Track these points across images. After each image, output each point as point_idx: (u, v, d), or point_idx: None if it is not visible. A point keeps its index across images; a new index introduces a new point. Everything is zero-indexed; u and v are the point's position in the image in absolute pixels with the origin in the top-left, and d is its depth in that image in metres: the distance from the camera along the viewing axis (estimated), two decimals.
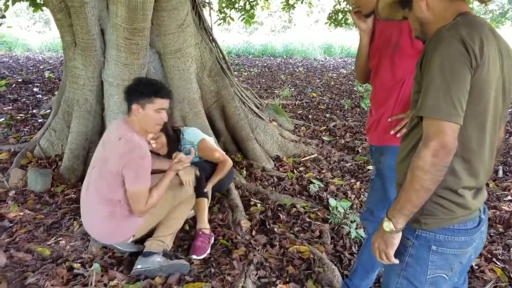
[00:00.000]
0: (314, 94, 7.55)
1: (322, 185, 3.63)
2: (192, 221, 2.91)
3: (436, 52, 1.13)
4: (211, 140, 3.20)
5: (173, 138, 2.95)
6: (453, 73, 1.11)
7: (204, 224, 2.71)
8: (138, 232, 2.47)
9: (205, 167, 3.00)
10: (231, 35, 18.43)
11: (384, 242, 1.30)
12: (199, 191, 2.82)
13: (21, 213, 2.88)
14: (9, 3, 5.57)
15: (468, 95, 1.13)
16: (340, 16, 8.90)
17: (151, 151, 3.06)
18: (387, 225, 1.26)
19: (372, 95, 2.02)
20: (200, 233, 2.65)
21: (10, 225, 2.76)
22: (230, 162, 3.07)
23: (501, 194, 3.57)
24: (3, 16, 7.11)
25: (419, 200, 1.18)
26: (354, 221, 2.97)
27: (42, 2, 5.75)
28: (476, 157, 1.22)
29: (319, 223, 3.00)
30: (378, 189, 1.99)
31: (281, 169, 4.01)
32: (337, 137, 5.05)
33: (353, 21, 2.01)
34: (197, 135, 3.07)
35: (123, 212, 2.31)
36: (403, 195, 1.21)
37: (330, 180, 3.77)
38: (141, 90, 2.26)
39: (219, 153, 3.07)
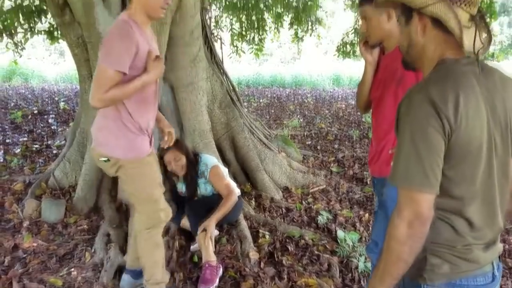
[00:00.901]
0: (323, 125, 7.63)
1: (330, 217, 3.65)
2: (201, 253, 2.94)
3: (407, 117, 1.09)
4: (225, 171, 3.27)
5: (192, 161, 3.07)
6: (424, 140, 1.05)
7: (209, 257, 2.72)
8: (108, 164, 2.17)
9: (214, 201, 3.06)
10: (241, 66, 18.78)
11: None
12: (196, 228, 2.88)
13: (35, 244, 2.94)
14: (28, 35, 5.83)
15: (451, 158, 1.08)
16: (349, 48, 9.08)
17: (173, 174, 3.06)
18: None
19: (374, 127, 2.09)
20: (207, 265, 2.67)
21: (24, 255, 2.82)
22: (235, 198, 3.08)
23: (511, 228, 3.55)
24: (23, 48, 7.40)
25: (397, 272, 1.11)
26: (363, 254, 2.96)
27: (59, 35, 6.01)
28: (475, 214, 1.14)
29: (327, 255, 3.00)
30: (382, 221, 2.03)
31: (289, 200, 4.04)
32: (346, 168, 5.08)
33: (360, 52, 2.10)
34: (213, 160, 3.19)
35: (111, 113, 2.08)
36: (381, 266, 1.14)
37: (339, 211, 3.79)
38: None
39: (228, 183, 3.13)
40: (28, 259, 2.77)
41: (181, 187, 3.23)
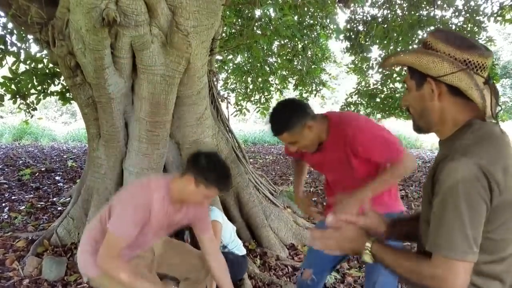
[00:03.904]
0: None
1: (338, 277, 3.53)
2: None
3: (450, 182, 1.03)
4: (230, 229, 3.19)
5: None
6: (470, 209, 1.01)
7: None
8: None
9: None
10: (248, 125, 19.14)
11: None
12: None
13: None
14: (41, 97, 6.04)
15: (497, 219, 1.05)
16: (353, 108, 9.28)
17: None
18: None
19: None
20: None
21: None
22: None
23: None
24: (35, 109, 7.64)
25: None
26: None
27: (71, 96, 6.21)
28: (510, 274, 1.12)
29: None
30: None
31: (296, 258, 3.93)
32: None
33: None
34: (216, 215, 3.08)
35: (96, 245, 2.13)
36: None
37: (347, 271, 3.67)
38: (207, 171, 2.02)
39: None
40: None
41: (187, 236, 3.17)
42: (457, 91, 1.12)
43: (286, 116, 1.94)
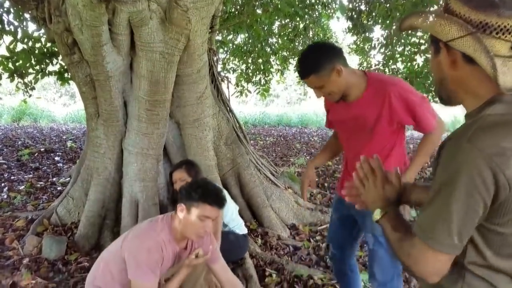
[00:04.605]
0: (330, 163, 7.56)
1: None
2: None
3: (450, 168, 0.94)
4: (231, 208, 3.17)
5: None
6: (463, 203, 0.92)
7: None
8: None
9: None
10: (248, 107, 19.08)
11: None
12: None
13: (33, 281, 2.85)
14: (39, 76, 5.97)
15: (509, 213, 0.94)
16: None
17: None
18: None
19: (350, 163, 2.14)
20: None
21: None
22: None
23: None
24: (33, 88, 7.56)
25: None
26: None
27: (69, 76, 6.14)
28: None
29: None
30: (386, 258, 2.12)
31: (297, 237, 3.93)
32: None
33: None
34: None
35: None
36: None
37: None
38: (190, 191, 2.07)
39: (218, 227, 2.88)
40: None
41: None
42: (472, 59, 0.96)
43: (315, 58, 1.88)
